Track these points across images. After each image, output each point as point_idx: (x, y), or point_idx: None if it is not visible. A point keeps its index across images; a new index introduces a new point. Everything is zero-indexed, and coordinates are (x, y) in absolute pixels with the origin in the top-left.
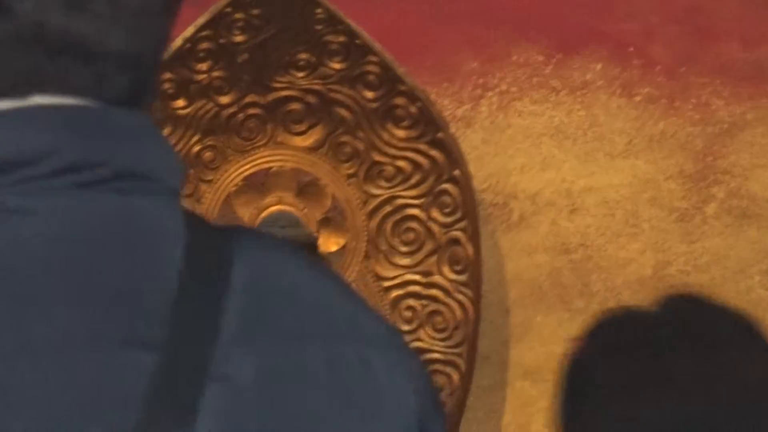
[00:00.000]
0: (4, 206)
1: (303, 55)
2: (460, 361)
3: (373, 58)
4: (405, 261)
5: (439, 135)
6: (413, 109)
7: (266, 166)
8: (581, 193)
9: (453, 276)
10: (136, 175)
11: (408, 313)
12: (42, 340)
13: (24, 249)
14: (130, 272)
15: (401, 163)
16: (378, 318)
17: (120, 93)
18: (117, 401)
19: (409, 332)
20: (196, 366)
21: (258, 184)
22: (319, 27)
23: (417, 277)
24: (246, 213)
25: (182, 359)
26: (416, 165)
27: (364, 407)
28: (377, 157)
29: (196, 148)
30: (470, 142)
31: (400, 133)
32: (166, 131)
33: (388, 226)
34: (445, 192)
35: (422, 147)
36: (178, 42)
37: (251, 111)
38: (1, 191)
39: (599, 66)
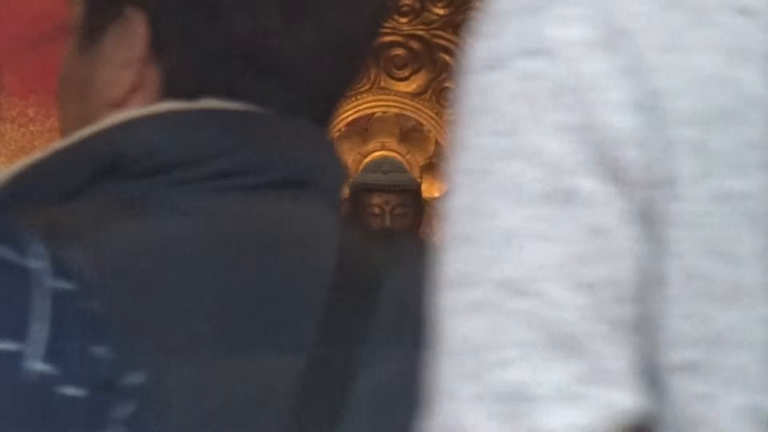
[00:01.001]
0: (174, 206)
1: (407, 1)
2: None
3: (477, 4)
4: None
5: None
6: None
7: (369, 111)
8: None
9: None
10: (299, 182)
11: None
12: (197, 339)
13: (184, 249)
14: (286, 276)
15: None
16: None
17: (305, 111)
18: (271, 402)
19: None
20: (343, 369)
21: (361, 130)
22: None
23: None
24: (349, 158)
25: (331, 363)
26: None
27: None
28: None
29: None
30: None
31: None
32: None
33: None
34: None
35: None
36: None
37: None
38: (168, 191)
39: None
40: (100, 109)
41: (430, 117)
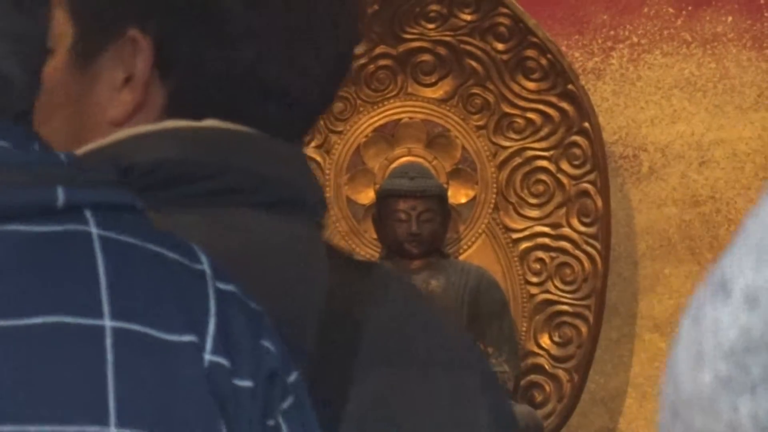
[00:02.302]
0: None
1: (434, 7)
2: (588, 314)
3: (504, 10)
4: (534, 213)
5: (570, 87)
6: (543, 61)
7: (396, 117)
8: (711, 146)
9: (582, 228)
10: (291, 202)
11: (537, 266)
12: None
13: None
14: (283, 290)
15: (531, 115)
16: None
17: (297, 133)
18: None
19: (538, 284)
20: (336, 383)
21: (388, 135)
22: None
23: (546, 229)
24: (376, 164)
25: (324, 376)
26: (546, 117)
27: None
28: (507, 109)
29: None
30: (601, 94)
31: (530, 84)
32: None
33: (518, 177)
34: (574, 144)
35: (552, 99)
36: None
37: (382, 62)
38: (169, 206)
39: (730, 18)
40: (98, 126)
41: (457, 123)
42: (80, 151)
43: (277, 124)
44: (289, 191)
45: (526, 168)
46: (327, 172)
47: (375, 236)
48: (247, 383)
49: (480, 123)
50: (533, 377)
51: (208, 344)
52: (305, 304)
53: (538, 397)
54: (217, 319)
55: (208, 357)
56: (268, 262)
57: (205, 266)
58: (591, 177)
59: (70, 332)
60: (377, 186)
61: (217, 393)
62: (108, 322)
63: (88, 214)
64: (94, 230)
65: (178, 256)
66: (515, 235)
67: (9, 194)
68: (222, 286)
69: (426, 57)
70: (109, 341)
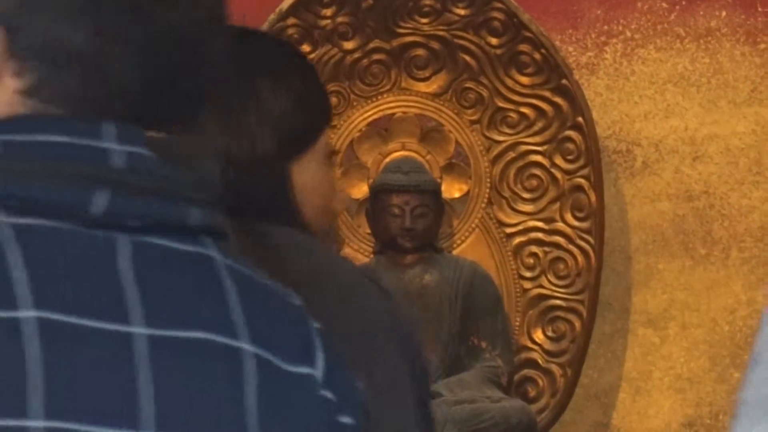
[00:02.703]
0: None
1: (428, 1)
2: (582, 308)
3: (498, 5)
4: (528, 208)
5: (563, 82)
6: (537, 56)
7: (390, 111)
8: (704, 141)
9: (576, 223)
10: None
11: (530, 260)
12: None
13: None
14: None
15: (525, 110)
16: None
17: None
18: None
19: (531, 279)
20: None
21: (381, 130)
22: None
23: (539, 224)
24: (369, 158)
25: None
26: (540, 111)
27: None
28: (501, 104)
29: None
30: (594, 88)
31: (524, 79)
32: None
33: (512, 172)
34: (568, 139)
35: (546, 94)
36: None
37: (376, 56)
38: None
39: (723, 13)
40: None
41: (451, 117)
42: None
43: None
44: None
45: (520, 163)
46: None
47: (368, 231)
48: (349, 420)
49: (474, 118)
50: (527, 372)
51: (319, 377)
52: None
53: (532, 392)
54: (324, 354)
55: (320, 389)
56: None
57: (297, 299)
58: (585, 172)
59: (217, 349)
60: (371, 180)
61: (328, 426)
62: (247, 346)
63: (204, 236)
64: (216, 256)
65: (278, 289)
66: (509, 230)
67: (149, 206)
68: (312, 321)
69: (420, 51)
70: (250, 364)
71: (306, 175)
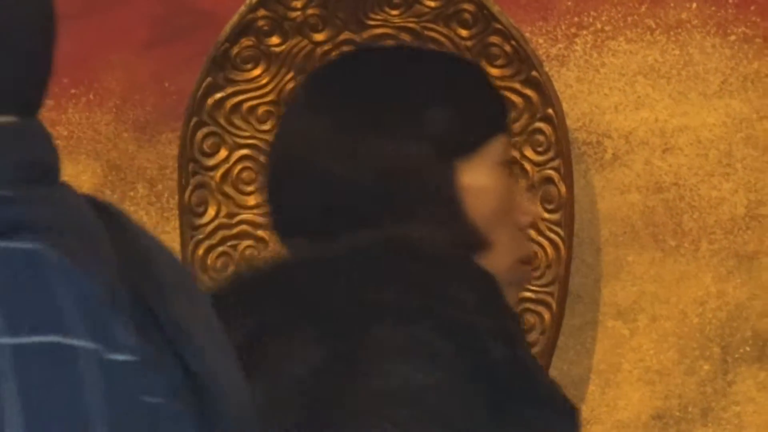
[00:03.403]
0: None
1: None
2: (551, 300)
3: None
4: None
5: (533, 73)
6: (507, 48)
7: None
8: (675, 133)
9: (546, 215)
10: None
11: None
12: None
13: None
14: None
15: None
16: None
17: None
18: None
19: None
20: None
21: None
22: None
23: None
24: None
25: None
26: (510, 103)
27: None
28: None
29: (290, 85)
30: (564, 80)
31: (494, 71)
32: (260, 68)
33: None
34: (538, 130)
35: (516, 85)
36: None
37: (346, 48)
38: None
39: (694, 5)
40: None
41: None
42: None
43: None
44: None
45: None
46: None
47: None
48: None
49: None
50: None
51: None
52: None
53: None
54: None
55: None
56: None
57: None
58: (555, 163)
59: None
60: None
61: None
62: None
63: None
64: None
65: None
66: None
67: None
68: None
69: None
70: None
71: (475, 178)
